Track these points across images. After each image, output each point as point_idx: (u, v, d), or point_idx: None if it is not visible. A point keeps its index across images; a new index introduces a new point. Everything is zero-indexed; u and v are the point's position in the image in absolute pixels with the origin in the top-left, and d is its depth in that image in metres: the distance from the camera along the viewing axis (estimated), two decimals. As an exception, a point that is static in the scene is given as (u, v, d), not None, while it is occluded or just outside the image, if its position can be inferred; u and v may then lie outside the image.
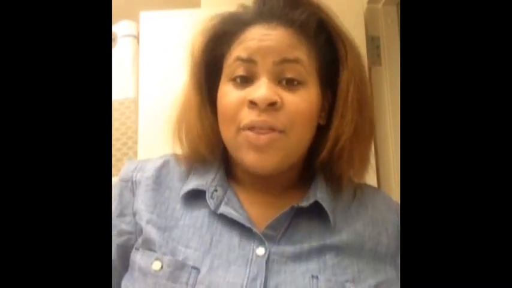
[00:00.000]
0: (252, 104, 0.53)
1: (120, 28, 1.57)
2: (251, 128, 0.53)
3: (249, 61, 0.55)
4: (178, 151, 0.64)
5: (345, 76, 0.57)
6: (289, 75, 0.55)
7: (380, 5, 1.39)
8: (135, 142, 1.43)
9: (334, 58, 0.58)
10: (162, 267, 0.52)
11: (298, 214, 0.56)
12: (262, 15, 0.58)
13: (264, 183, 0.60)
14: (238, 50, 0.56)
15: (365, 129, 0.59)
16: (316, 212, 0.57)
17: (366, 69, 0.61)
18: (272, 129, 0.53)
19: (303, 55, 0.55)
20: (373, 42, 1.38)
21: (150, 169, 0.62)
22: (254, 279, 0.51)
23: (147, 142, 1.35)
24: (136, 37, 1.55)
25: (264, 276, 0.51)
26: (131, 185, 0.61)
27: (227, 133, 0.57)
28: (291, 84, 0.55)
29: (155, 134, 1.32)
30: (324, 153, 0.57)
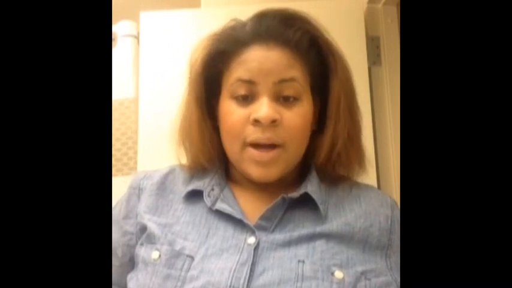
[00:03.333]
0: (256, 122, 0.59)
1: (120, 28, 1.57)
2: (256, 144, 0.59)
3: (250, 82, 0.60)
4: (182, 159, 0.69)
5: (336, 86, 0.63)
6: (286, 93, 0.60)
7: (380, 5, 1.39)
8: (135, 142, 1.43)
9: (324, 69, 0.64)
10: (159, 256, 0.57)
11: (291, 206, 0.61)
12: (259, 35, 0.62)
13: (261, 185, 0.64)
14: (240, 71, 0.61)
15: (357, 132, 0.66)
16: (309, 204, 0.61)
17: (353, 78, 0.67)
18: (273, 144, 0.59)
19: (298, 73, 0.61)
20: (373, 42, 1.38)
21: (156, 176, 0.68)
22: (243, 264, 0.54)
23: (147, 142, 1.35)
24: (137, 37, 1.55)
25: (251, 261, 0.55)
26: (138, 191, 0.67)
27: (232, 148, 0.62)
28: (287, 101, 0.60)
29: (155, 134, 1.32)
30: (322, 159, 0.64)
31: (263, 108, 0.58)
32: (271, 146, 0.59)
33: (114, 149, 1.47)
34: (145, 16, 1.46)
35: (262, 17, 0.64)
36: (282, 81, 0.60)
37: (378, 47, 1.38)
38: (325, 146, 0.63)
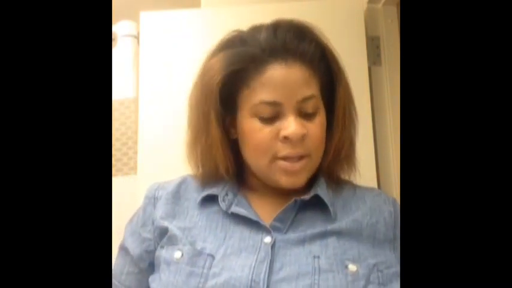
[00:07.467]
0: (286, 139, 0.63)
1: (120, 28, 1.57)
2: (286, 158, 0.64)
3: (275, 104, 0.63)
4: (190, 169, 0.73)
5: (341, 93, 0.68)
6: (309, 110, 0.65)
7: (380, 5, 1.39)
8: (135, 142, 1.43)
9: (330, 77, 0.68)
10: (182, 255, 0.62)
11: (302, 208, 0.66)
12: (276, 51, 0.64)
13: (276, 191, 0.69)
14: (263, 93, 0.63)
15: (354, 137, 0.71)
16: (319, 206, 0.66)
17: (352, 79, 0.71)
18: (302, 156, 0.64)
19: (315, 89, 0.66)
20: (373, 42, 1.38)
21: (170, 186, 0.73)
22: (261, 261, 0.59)
23: (147, 142, 1.35)
24: (137, 37, 1.55)
25: (270, 258, 0.59)
26: (153, 200, 0.72)
27: (259, 162, 0.66)
28: (310, 115, 0.65)
29: (155, 134, 1.32)
30: (329, 163, 0.68)
31: (291, 126, 0.62)
32: (300, 158, 0.64)
33: (114, 149, 1.47)
34: (145, 16, 1.45)
35: (277, 30, 0.65)
36: (304, 99, 0.64)
37: (378, 47, 1.38)
38: (332, 151, 0.68)
